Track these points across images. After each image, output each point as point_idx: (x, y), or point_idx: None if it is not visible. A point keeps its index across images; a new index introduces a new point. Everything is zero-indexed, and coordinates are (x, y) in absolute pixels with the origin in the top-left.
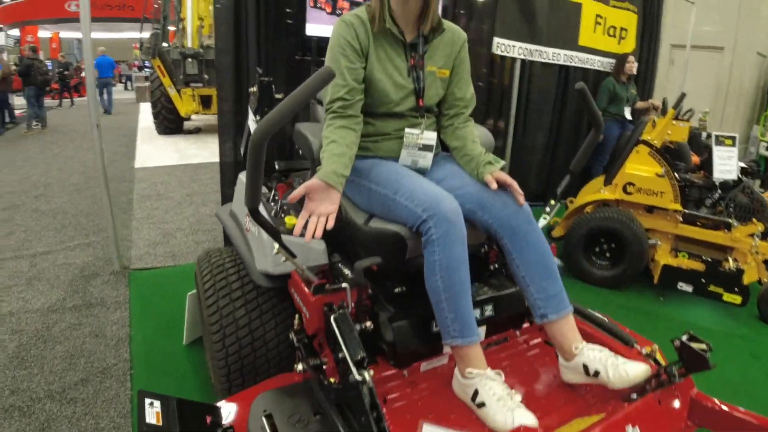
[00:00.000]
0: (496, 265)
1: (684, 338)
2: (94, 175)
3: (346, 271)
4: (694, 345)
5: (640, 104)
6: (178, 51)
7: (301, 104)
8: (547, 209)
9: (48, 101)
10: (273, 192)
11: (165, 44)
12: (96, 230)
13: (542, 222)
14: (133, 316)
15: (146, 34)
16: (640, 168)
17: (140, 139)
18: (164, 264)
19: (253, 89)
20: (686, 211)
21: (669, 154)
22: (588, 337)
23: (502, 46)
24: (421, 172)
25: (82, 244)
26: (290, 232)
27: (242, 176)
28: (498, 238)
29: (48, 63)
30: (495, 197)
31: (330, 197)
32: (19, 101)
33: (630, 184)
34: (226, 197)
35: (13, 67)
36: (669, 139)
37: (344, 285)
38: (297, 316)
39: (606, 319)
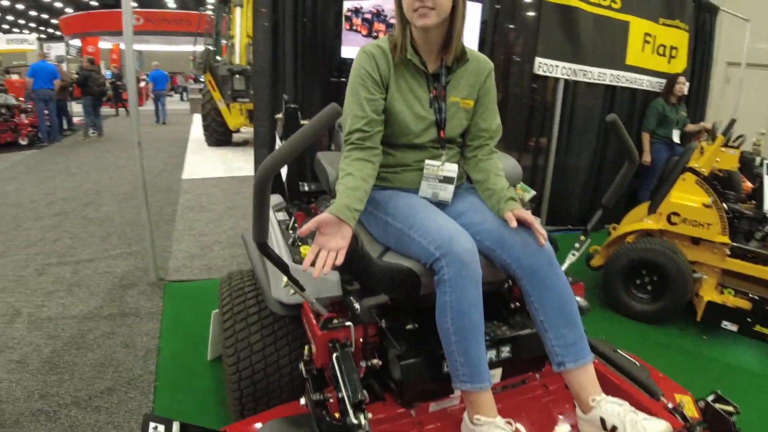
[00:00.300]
0: (518, 303)
1: (710, 398)
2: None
3: (357, 306)
4: (721, 407)
5: (690, 127)
6: (226, 67)
7: (307, 142)
8: (576, 245)
9: (107, 109)
10: (293, 220)
11: (218, 57)
12: (139, 240)
13: (570, 259)
14: (163, 328)
15: (200, 48)
16: (687, 197)
17: (190, 150)
18: (199, 277)
19: (280, 115)
20: (734, 244)
21: (718, 183)
22: (611, 386)
23: (544, 66)
24: (442, 204)
25: (124, 253)
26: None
27: None
28: (517, 279)
29: (107, 73)
30: (515, 236)
31: (341, 232)
32: (78, 109)
33: (675, 214)
34: None
35: (75, 76)
36: (718, 167)
37: (347, 323)
38: (306, 347)
39: (636, 361)
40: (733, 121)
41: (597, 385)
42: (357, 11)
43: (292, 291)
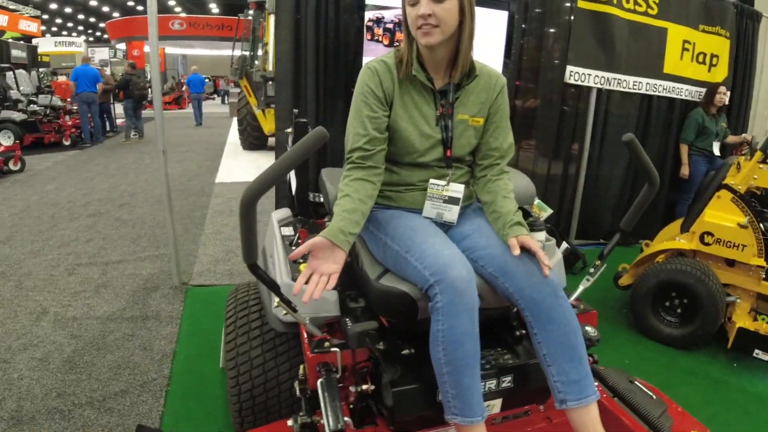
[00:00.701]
0: (525, 331)
1: None
2: (177, 188)
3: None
4: None
5: (731, 139)
6: (260, 74)
7: (293, 166)
8: (591, 270)
9: (150, 111)
10: (296, 236)
11: (256, 62)
12: (167, 243)
13: (584, 284)
14: (181, 332)
15: (239, 53)
16: (721, 216)
17: (226, 154)
18: (221, 282)
19: (289, 130)
20: None
21: (756, 201)
22: (617, 425)
23: (576, 75)
24: (447, 225)
25: (152, 256)
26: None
27: (274, 214)
28: (520, 309)
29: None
30: (519, 264)
31: (334, 256)
32: (121, 111)
33: (708, 233)
34: None
35: (117, 79)
36: (755, 184)
37: (333, 349)
38: (302, 365)
39: (653, 394)
40: None
41: (599, 426)
42: (378, 21)
43: (283, 311)
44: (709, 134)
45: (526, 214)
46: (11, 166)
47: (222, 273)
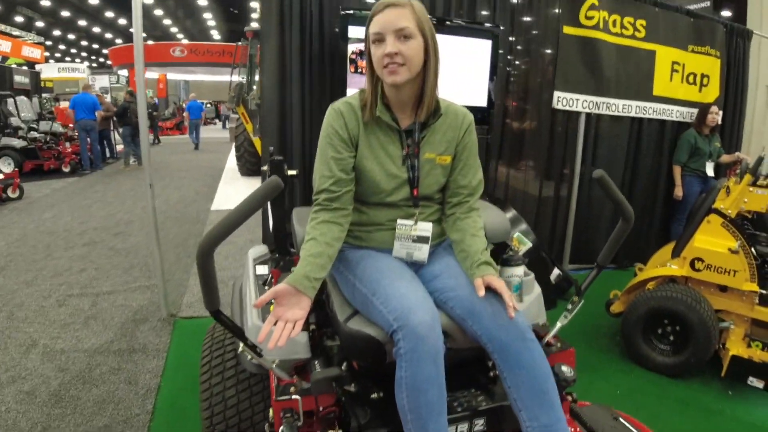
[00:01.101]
0: None
1: None
2: (173, 214)
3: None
4: None
5: (725, 158)
6: (255, 102)
7: (248, 215)
8: (569, 306)
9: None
10: (269, 277)
11: (254, 88)
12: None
13: (562, 321)
14: (167, 366)
15: (237, 79)
16: (711, 241)
17: (223, 180)
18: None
19: (265, 168)
20: (764, 292)
21: (750, 224)
22: None
23: (564, 100)
24: (419, 264)
25: (143, 287)
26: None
27: (250, 252)
28: (489, 352)
29: (156, 101)
30: (486, 305)
31: (299, 303)
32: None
33: (698, 259)
34: None
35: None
36: (746, 208)
37: (294, 396)
38: (271, 408)
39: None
40: (761, 159)
41: None
42: (362, 53)
43: (249, 356)
44: (702, 155)
45: (505, 248)
46: (10, 193)
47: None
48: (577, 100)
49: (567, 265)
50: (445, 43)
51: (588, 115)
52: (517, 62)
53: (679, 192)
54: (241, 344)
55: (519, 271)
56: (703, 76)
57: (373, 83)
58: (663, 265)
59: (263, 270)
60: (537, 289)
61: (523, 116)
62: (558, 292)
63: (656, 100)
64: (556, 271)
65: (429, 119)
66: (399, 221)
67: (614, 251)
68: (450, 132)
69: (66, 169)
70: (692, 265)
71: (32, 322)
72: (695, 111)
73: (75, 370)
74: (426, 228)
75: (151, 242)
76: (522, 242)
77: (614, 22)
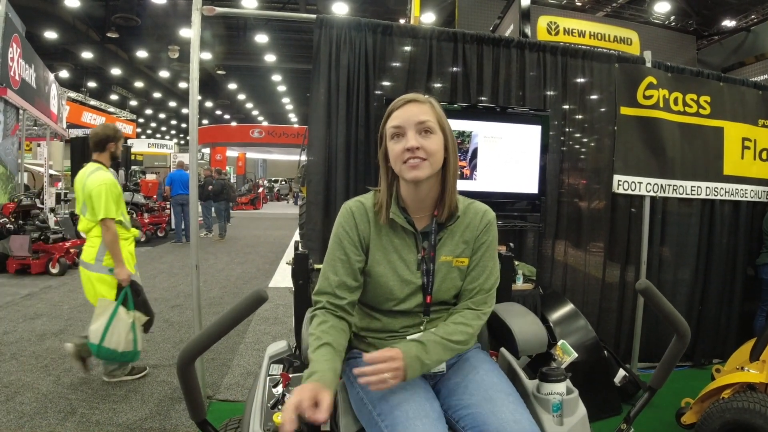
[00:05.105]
0: None
1: None
2: (232, 290)
3: None
4: None
5: None
6: None
7: (230, 328)
8: None
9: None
10: (279, 380)
11: None
12: (208, 350)
13: None
14: None
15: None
16: None
17: (285, 258)
18: (245, 398)
19: (290, 260)
20: None
21: None
22: None
23: (625, 184)
24: (437, 374)
25: None
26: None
27: (270, 347)
28: None
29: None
30: (500, 425)
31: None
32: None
33: None
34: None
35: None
36: None
37: None
38: None
39: None
40: None
41: None
42: None
43: None
44: None
45: (549, 359)
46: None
47: (249, 388)
48: (640, 183)
49: (636, 363)
50: (490, 130)
51: (653, 198)
52: (575, 145)
53: None
54: None
55: (560, 387)
56: None
57: (388, 182)
58: (742, 368)
59: (276, 370)
60: (581, 410)
61: (581, 200)
62: (624, 396)
63: (728, 180)
64: (621, 372)
65: (447, 220)
66: (409, 338)
67: (669, 373)
68: (468, 232)
69: (142, 239)
70: None
71: (76, 389)
72: None
73: None
74: None
75: (194, 322)
76: (567, 352)
77: (675, 99)
